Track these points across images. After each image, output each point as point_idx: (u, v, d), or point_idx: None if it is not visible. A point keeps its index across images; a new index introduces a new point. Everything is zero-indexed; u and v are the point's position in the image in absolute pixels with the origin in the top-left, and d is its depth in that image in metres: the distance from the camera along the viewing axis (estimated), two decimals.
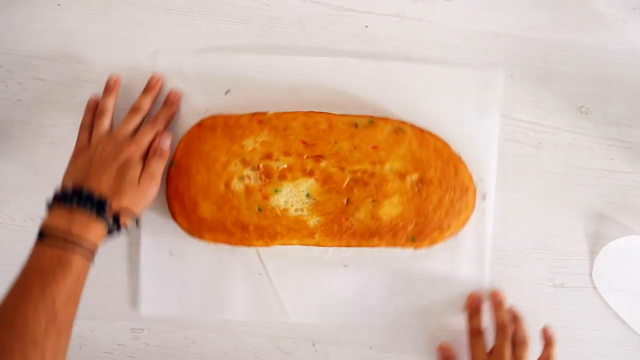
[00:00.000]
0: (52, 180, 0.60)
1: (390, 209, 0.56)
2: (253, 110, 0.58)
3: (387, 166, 0.56)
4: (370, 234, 0.56)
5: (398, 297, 0.59)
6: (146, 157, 0.55)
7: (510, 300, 0.60)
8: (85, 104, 0.61)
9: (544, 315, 0.60)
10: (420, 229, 0.56)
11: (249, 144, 0.56)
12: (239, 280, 0.59)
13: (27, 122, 0.61)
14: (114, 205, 0.51)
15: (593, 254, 0.60)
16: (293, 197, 0.56)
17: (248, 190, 0.56)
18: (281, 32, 0.61)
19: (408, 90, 0.60)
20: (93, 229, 0.49)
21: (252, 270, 0.59)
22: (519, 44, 0.62)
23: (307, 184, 0.56)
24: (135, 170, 0.53)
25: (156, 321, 0.60)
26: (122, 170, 0.52)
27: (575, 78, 0.62)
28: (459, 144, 0.59)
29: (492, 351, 0.55)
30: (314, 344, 0.60)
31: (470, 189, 0.57)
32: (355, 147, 0.56)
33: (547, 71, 0.62)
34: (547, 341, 0.57)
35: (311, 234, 0.56)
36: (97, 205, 0.50)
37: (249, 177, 0.56)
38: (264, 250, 0.59)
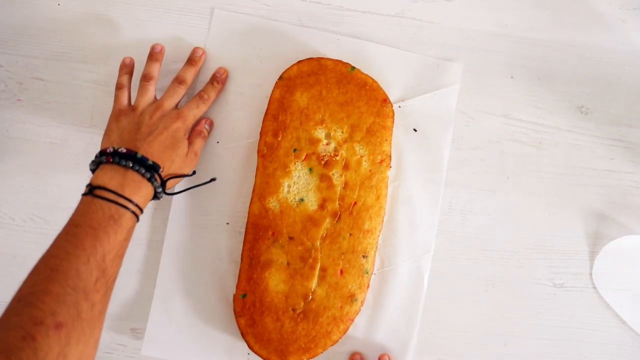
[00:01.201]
0: (52, 180, 0.60)
1: (274, 283, 0.56)
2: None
3: (336, 280, 0.56)
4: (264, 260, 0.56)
5: None
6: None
7: (511, 300, 0.60)
8: (84, 104, 0.61)
9: (544, 315, 0.60)
10: (256, 312, 0.56)
11: (362, 150, 0.57)
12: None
13: (27, 122, 0.61)
14: (164, 172, 0.53)
15: (593, 254, 0.60)
16: (301, 183, 0.56)
17: (313, 139, 0.57)
18: None
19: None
20: (143, 191, 0.51)
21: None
22: (519, 44, 0.62)
23: (312, 202, 0.56)
24: (184, 144, 0.56)
25: None
26: (173, 142, 0.54)
27: (575, 78, 0.62)
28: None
29: None
30: None
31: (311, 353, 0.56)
32: (352, 252, 0.56)
33: (547, 71, 0.62)
34: None
35: (262, 210, 0.56)
36: (150, 170, 0.51)
37: (326, 144, 0.57)
38: None
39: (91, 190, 0.49)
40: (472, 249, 0.60)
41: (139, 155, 0.51)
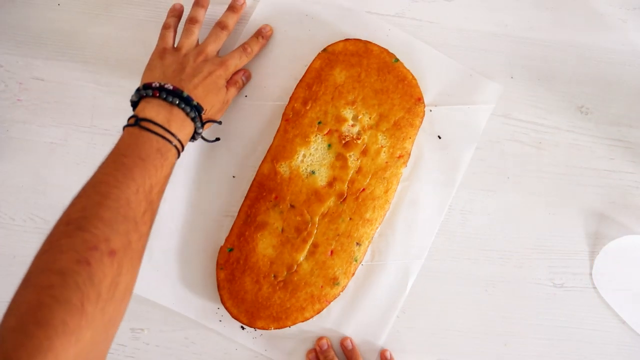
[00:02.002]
0: (52, 180, 0.60)
1: (263, 246, 0.56)
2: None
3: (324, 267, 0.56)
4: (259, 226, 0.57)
5: None
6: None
7: (511, 300, 0.60)
8: (84, 104, 0.61)
9: (544, 315, 0.60)
10: (237, 269, 0.56)
11: (384, 140, 0.57)
12: None
13: (27, 122, 0.61)
14: (204, 115, 0.53)
15: (593, 254, 0.60)
16: (317, 156, 0.57)
17: (340, 117, 0.57)
18: None
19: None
20: (186, 130, 0.51)
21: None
22: (519, 44, 0.62)
23: (322, 177, 0.56)
24: (224, 91, 0.56)
25: (156, 321, 0.60)
26: (215, 87, 0.55)
27: (575, 78, 0.62)
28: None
29: None
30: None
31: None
32: (349, 232, 0.56)
33: (547, 71, 0.62)
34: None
35: (272, 171, 0.57)
36: (194, 110, 0.52)
37: (351, 126, 0.57)
38: None
39: (137, 121, 0.49)
40: (472, 249, 0.60)
41: (185, 94, 0.51)
